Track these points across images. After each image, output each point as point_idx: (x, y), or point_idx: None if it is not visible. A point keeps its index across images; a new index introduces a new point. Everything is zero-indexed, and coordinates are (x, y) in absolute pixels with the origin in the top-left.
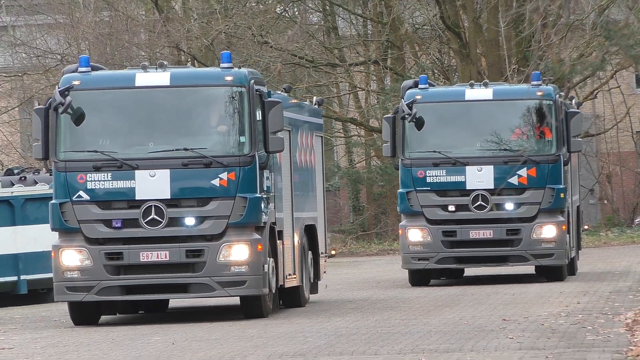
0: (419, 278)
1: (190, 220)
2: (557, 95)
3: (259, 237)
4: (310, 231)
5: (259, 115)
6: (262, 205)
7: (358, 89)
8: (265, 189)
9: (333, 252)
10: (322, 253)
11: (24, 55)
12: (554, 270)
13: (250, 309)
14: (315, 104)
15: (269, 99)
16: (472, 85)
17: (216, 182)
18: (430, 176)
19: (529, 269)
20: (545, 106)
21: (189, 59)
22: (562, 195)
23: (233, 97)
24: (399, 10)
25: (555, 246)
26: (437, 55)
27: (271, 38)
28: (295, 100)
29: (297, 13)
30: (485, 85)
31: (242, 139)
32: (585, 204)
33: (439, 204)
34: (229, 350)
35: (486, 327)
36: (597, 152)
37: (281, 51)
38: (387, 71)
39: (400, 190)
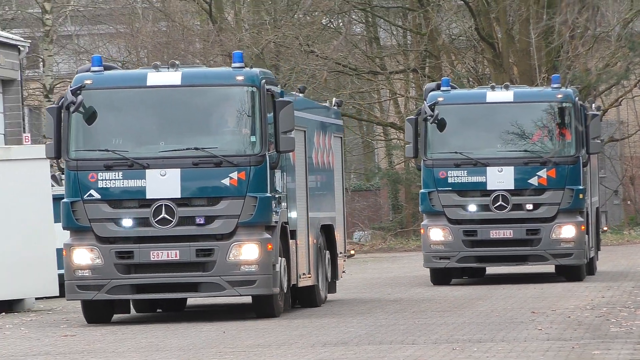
0: (440, 277)
1: (200, 220)
2: (577, 98)
3: (269, 236)
4: (327, 231)
5: (270, 115)
6: (273, 205)
7: (398, 95)
8: (276, 188)
9: (352, 252)
10: (340, 253)
11: (87, 62)
12: (573, 270)
13: (261, 308)
14: (334, 105)
15: (280, 99)
16: (493, 88)
17: (226, 181)
18: (451, 177)
19: (549, 268)
20: (565, 108)
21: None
22: (581, 196)
23: (244, 97)
24: (436, 22)
25: (574, 246)
26: (472, 64)
27: (317, 47)
28: (314, 104)
29: (341, 24)
30: (507, 87)
31: (253, 138)
32: (610, 205)
33: (460, 204)
34: (276, 339)
35: (516, 319)
36: (621, 156)
37: (326, 60)
38: (425, 79)
39: (422, 190)
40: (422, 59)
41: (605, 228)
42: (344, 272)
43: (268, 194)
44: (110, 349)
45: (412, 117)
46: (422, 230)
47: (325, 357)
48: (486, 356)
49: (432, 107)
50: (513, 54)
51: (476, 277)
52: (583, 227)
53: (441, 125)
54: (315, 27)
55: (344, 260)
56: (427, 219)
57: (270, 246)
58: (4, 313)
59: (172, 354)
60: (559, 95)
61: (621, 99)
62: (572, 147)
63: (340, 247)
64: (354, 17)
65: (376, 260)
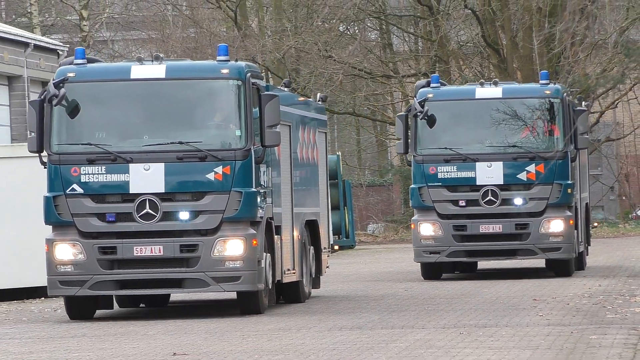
0: (431, 271)
1: (184, 215)
2: (565, 94)
3: (254, 232)
4: (312, 226)
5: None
6: (258, 200)
7: (409, 97)
8: (261, 183)
9: (336, 248)
10: (324, 248)
11: None
12: (561, 264)
13: (246, 304)
14: (318, 101)
15: (266, 93)
16: (482, 84)
17: (211, 176)
18: (441, 172)
19: (540, 263)
20: (553, 104)
21: (264, 70)
22: (569, 190)
23: (229, 90)
24: (446, 30)
25: (563, 240)
26: (479, 68)
27: (335, 52)
28: (299, 98)
29: (357, 31)
30: (495, 84)
31: (238, 132)
32: (606, 200)
33: (450, 199)
34: (296, 322)
35: (519, 305)
36: (617, 155)
37: (343, 64)
38: None
39: (412, 185)
40: (432, 64)
41: (595, 224)
42: (327, 267)
43: (253, 189)
44: (141, 331)
45: (402, 113)
46: (412, 225)
47: (342, 340)
48: (491, 340)
49: (422, 104)
50: (517, 60)
51: (467, 272)
52: (572, 222)
53: (431, 121)
54: (333, 34)
55: (328, 256)
56: (418, 214)
57: (255, 242)
58: (32, 300)
59: (199, 336)
60: (547, 91)
61: (617, 101)
62: (560, 143)
63: (324, 243)
64: (369, 24)
65: (388, 251)
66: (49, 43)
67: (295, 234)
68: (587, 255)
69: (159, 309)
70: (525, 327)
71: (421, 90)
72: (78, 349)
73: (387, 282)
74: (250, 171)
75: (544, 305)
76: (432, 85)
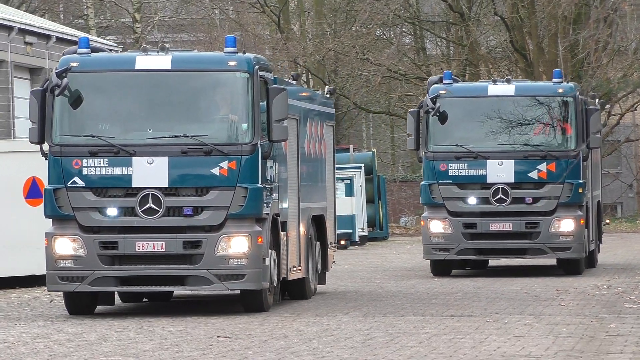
0: (440, 268)
1: (188, 210)
2: (578, 92)
3: (260, 229)
4: (318, 221)
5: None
6: (264, 196)
7: None
8: (268, 179)
9: (342, 242)
10: (330, 243)
11: None
12: (572, 263)
13: (250, 303)
14: (326, 94)
15: (274, 86)
16: (495, 82)
17: (216, 171)
18: (452, 169)
19: (551, 260)
20: (566, 103)
21: (304, 72)
22: (580, 190)
23: (236, 83)
24: (476, 35)
25: (573, 240)
26: (507, 72)
27: (371, 55)
28: (306, 91)
29: (393, 35)
30: (508, 81)
31: (245, 126)
32: (625, 197)
33: (460, 197)
34: (332, 309)
35: (542, 295)
36: (636, 155)
37: (379, 66)
38: None
39: (422, 182)
40: (462, 67)
41: (607, 221)
42: (334, 262)
43: (259, 185)
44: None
45: (414, 109)
46: (422, 222)
47: (375, 326)
48: (515, 328)
49: (433, 100)
50: (543, 64)
51: (478, 268)
52: (582, 221)
53: (443, 118)
54: (370, 38)
55: (334, 251)
56: (428, 211)
57: (260, 239)
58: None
59: (242, 319)
60: (560, 90)
61: (637, 104)
62: (573, 142)
63: (330, 238)
64: (404, 29)
65: (419, 242)
66: (104, 44)
67: (302, 230)
68: (599, 252)
69: (163, 303)
70: (548, 316)
71: (433, 86)
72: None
73: (417, 272)
74: (256, 166)
75: (566, 295)
76: (444, 81)
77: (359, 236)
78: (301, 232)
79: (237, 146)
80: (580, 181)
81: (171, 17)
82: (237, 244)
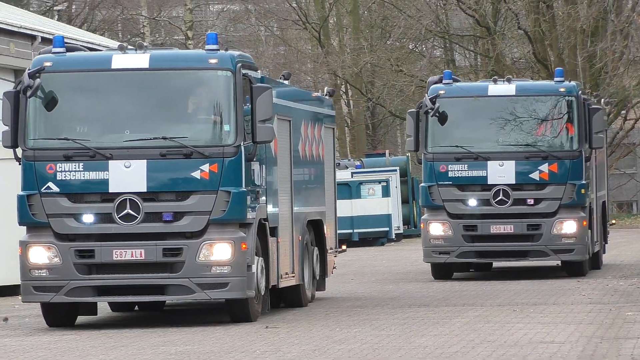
0: (441, 272)
1: (168, 216)
2: (580, 92)
3: (244, 235)
4: (316, 226)
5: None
6: (248, 200)
7: None
8: (254, 182)
9: (344, 248)
10: (330, 249)
11: None
12: (575, 265)
13: (236, 312)
14: (325, 95)
15: (258, 85)
16: (495, 81)
17: (197, 174)
18: (452, 170)
19: (555, 262)
20: (568, 102)
21: (343, 83)
22: (583, 191)
23: (217, 82)
24: (501, 48)
25: (576, 241)
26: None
27: (405, 67)
28: (301, 92)
29: (424, 49)
30: (509, 81)
31: (227, 127)
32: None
33: (461, 198)
34: (372, 301)
35: (564, 287)
36: None
37: (412, 77)
38: None
39: (422, 184)
40: (489, 77)
41: (613, 221)
42: (334, 268)
43: (243, 189)
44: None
45: (413, 110)
46: (422, 225)
47: (411, 316)
48: (540, 316)
49: (433, 100)
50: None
51: (480, 271)
52: (585, 223)
53: (442, 118)
54: (403, 51)
55: (335, 256)
56: (427, 213)
57: (244, 246)
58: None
59: (287, 313)
60: (562, 89)
61: None
62: (575, 142)
63: (331, 243)
64: (435, 43)
65: None
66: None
67: (296, 235)
68: (604, 253)
69: (154, 312)
70: (570, 305)
71: (433, 86)
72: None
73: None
74: (239, 169)
75: (587, 286)
76: (444, 81)
77: (395, 234)
78: (295, 238)
79: (218, 148)
80: (583, 182)
81: (220, 34)
82: (219, 251)
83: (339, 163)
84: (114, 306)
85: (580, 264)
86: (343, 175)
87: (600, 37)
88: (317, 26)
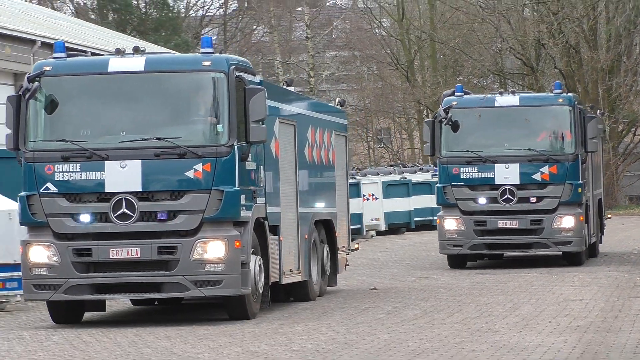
0: (456, 261)
1: (162, 215)
2: (576, 102)
3: (238, 233)
4: (327, 226)
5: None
6: (243, 199)
7: None
8: (251, 181)
9: (357, 246)
10: (342, 247)
11: None
12: (574, 255)
13: (233, 309)
14: (337, 105)
15: (250, 86)
16: (501, 94)
17: (191, 174)
18: (463, 172)
19: (557, 253)
20: (565, 111)
21: (425, 108)
22: (579, 190)
23: (211, 84)
24: (542, 82)
25: (574, 234)
26: None
27: None
28: (309, 100)
29: (485, 83)
30: (514, 93)
31: (220, 128)
32: None
33: (471, 197)
34: (443, 269)
35: (590, 258)
36: None
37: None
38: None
39: (437, 184)
40: None
41: (609, 215)
42: (347, 265)
43: (236, 188)
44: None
45: (429, 119)
46: (438, 221)
47: (477, 280)
48: (572, 280)
49: (446, 111)
50: (587, 102)
51: (493, 259)
52: (582, 218)
53: (455, 126)
54: (469, 85)
55: (347, 254)
56: (443, 211)
57: (238, 243)
58: None
59: (321, 304)
60: (560, 100)
61: None
62: (572, 146)
63: (343, 242)
64: (493, 79)
65: None
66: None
67: (301, 234)
68: (601, 243)
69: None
70: (595, 272)
71: (446, 98)
72: None
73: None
74: (232, 169)
75: (605, 258)
76: (456, 94)
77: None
78: (301, 236)
79: (212, 148)
80: (579, 182)
81: (334, 73)
82: (213, 249)
83: (422, 167)
84: (134, 301)
85: (579, 254)
86: (424, 177)
87: (616, 74)
88: (406, 67)
